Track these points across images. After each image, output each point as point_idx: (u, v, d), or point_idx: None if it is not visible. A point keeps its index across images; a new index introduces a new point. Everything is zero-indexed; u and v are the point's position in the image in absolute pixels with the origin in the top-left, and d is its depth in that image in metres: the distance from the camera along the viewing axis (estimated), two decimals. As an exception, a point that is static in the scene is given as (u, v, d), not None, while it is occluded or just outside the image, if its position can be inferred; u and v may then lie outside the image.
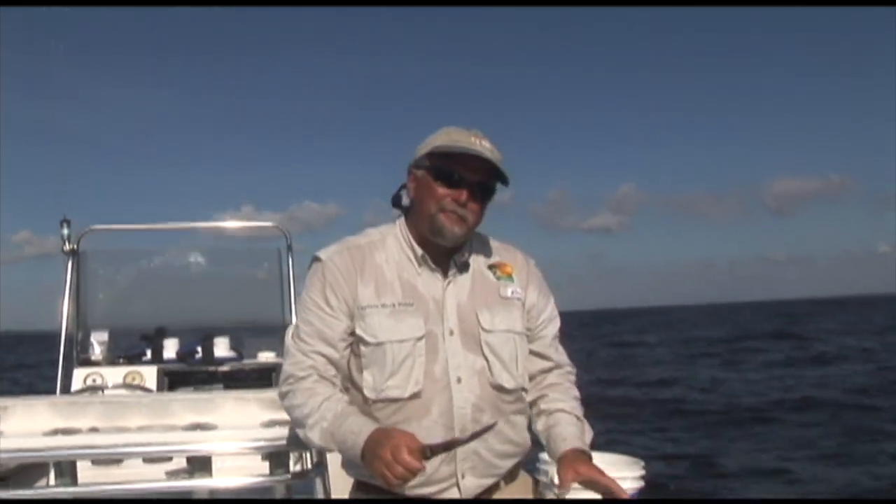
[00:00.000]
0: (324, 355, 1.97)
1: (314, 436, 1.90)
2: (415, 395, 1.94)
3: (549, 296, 2.23)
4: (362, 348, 1.98)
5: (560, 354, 2.21)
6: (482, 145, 1.98)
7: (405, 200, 2.14)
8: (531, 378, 2.13)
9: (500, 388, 2.02)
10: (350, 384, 2.01)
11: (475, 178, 1.99)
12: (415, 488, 1.92)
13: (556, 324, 2.21)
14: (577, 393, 2.18)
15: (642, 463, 2.69)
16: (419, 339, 1.96)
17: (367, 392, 1.95)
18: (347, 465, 2.06)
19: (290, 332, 2.06)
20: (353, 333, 1.99)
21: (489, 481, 2.03)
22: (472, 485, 1.99)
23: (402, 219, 2.14)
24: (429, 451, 1.71)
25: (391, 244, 2.09)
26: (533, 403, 2.14)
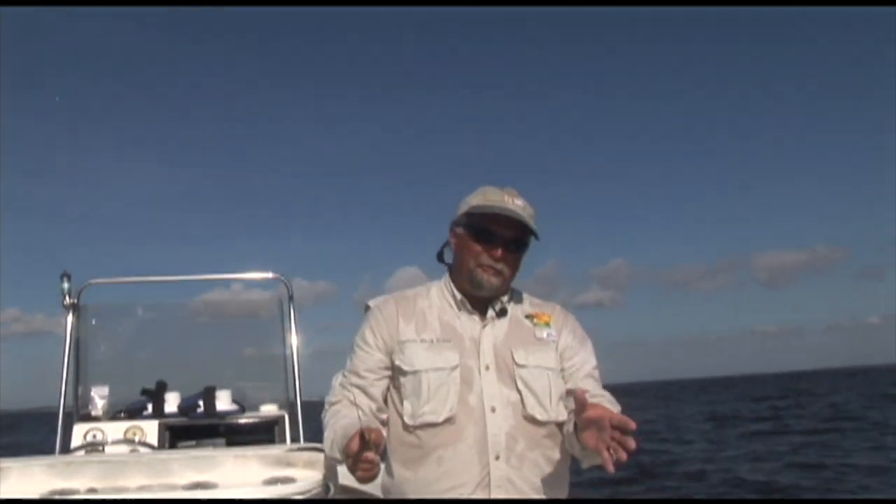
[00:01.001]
0: (356, 385, 2.21)
1: (327, 448, 2.17)
2: (448, 421, 2.09)
3: (586, 340, 2.34)
4: (401, 379, 2.17)
5: (598, 387, 2.26)
6: (514, 203, 2.19)
7: (448, 257, 2.37)
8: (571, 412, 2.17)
9: (532, 420, 2.13)
10: (394, 414, 2.20)
11: (509, 234, 2.19)
12: None
13: (592, 363, 2.30)
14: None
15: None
16: (454, 368, 2.13)
17: (406, 419, 2.13)
18: (389, 494, 2.23)
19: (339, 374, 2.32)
20: (388, 367, 2.21)
21: None
22: None
23: (447, 275, 2.35)
24: (366, 433, 1.82)
25: (434, 294, 2.32)
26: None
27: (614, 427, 1.82)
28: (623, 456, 1.81)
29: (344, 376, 2.26)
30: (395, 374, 2.20)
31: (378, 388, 2.21)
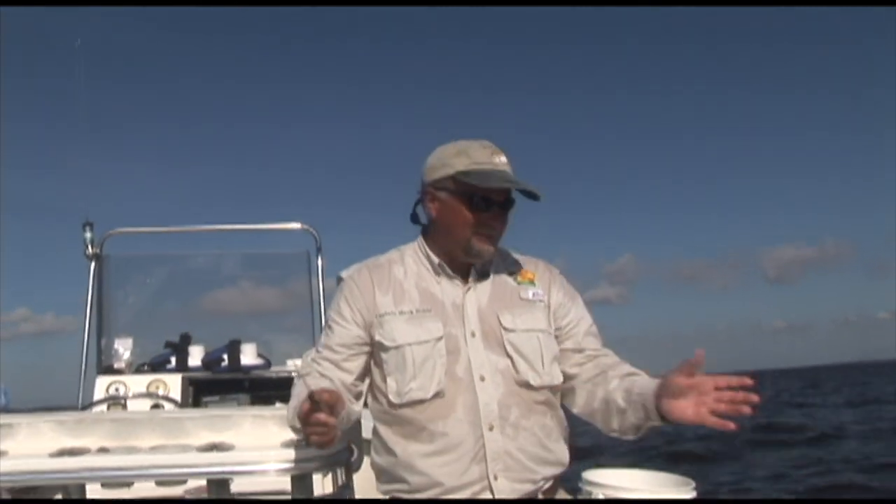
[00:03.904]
0: (328, 360, 2.06)
1: (288, 419, 1.98)
2: (437, 395, 1.98)
3: (576, 296, 2.23)
4: (383, 355, 2.04)
5: (599, 344, 2.18)
6: (501, 162, 2.07)
7: (423, 218, 2.22)
8: (570, 377, 2.13)
9: (526, 385, 2.03)
10: (377, 393, 2.08)
11: (501, 198, 2.07)
12: (447, 493, 1.95)
13: (588, 319, 2.20)
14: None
15: (693, 483, 2.51)
16: (438, 339, 2.00)
17: (391, 397, 2.00)
18: (382, 478, 2.09)
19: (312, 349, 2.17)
20: (365, 343, 2.07)
21: (526, 487, 1.99)
22: (505, 488, 1.96)
23: (421, 237, 2.21)
24: (315, 395, 1.74)
25: (409, 259, 2.18)
26: (592, 382, 2.11)
27: (730, 388, 1.76)
28: (747, 410, 1.74)
29: (317, 351, 2.11)
30: (376, 349, 2.06)
31: (353, 363, 2.07)
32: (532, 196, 2.06)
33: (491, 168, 2.05)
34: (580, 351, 2.14)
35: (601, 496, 2.49)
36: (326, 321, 2.17)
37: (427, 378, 1.97)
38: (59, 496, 2.31)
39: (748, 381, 1.74)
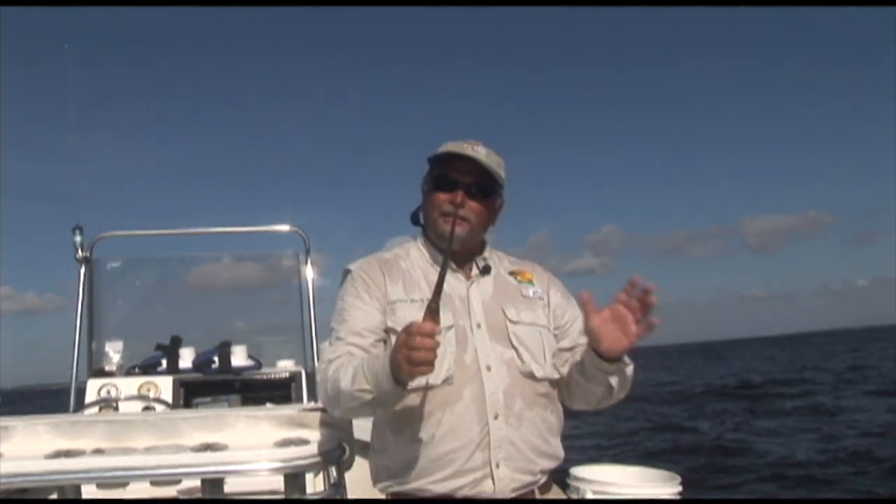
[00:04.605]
0: (356, 345, 2.05)
1: (346, 383, 1.91)
2: (446, 381, 2.02)
3: (570, 296, 2.31)
4: (394, 340, 1.97)
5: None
6: (475, 150, 2.12)
7: (422, 218, 2.30)
8: (565, 373, 2.19)
9: (530, 376, 2.09)
10: None
11: (468, 179, 2.11)
12: (449, 479, 1.98)
13: (581, 322, 2.21)
14: None
15: (679, 479, 2.55)
16: (448, 328, 2.03)
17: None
18: (381, 476, 2.13)
19: (326, 340, 2.17)
20: (386, 329, 2.09)
21: (525, 478, 2.04)
22: (506, 476, 2.00)
23: (421, 234, 2.31)
24: (432, 304, 1.74)
25: (414, 254, 2.26)
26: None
27: (635, 300, 1.90)
28: (654, 301, 1.88)
29: (338, 338, 2.09)
30: (389, 335, 2.08)
31: (379, 349, 2.06)
32: (495, 181, 2.15)
33: (455, 150, 2.12)
34: (573, 349, 2.21)
35: (590, 493, 2.53)
36: (341, 308, 2.14)
37: (437, 364, 1.91)
38: (54, 497, 2.32)
39: (637, 281, 1.90)
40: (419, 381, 1.95)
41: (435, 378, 1.99)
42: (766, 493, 9.94)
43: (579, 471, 2.65)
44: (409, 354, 1.71)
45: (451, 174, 2.13)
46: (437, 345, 1.72)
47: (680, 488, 2.53)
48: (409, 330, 1.73)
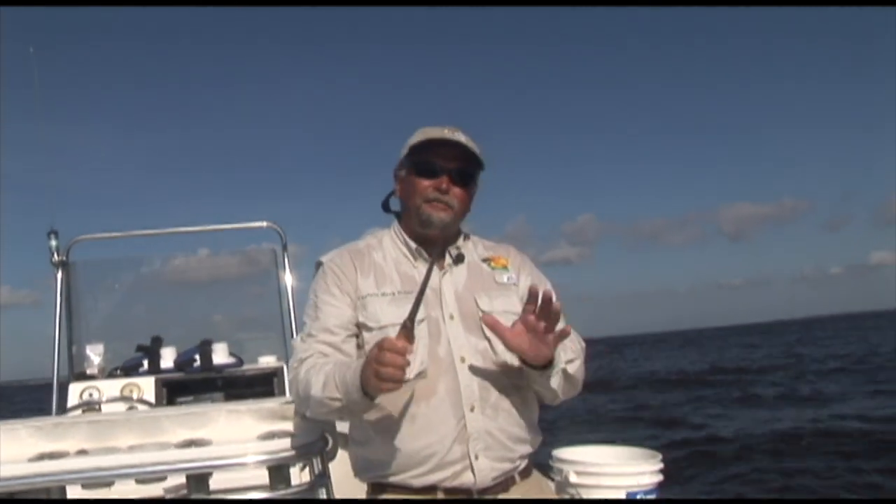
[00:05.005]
0: (328, 343, 2.06)
1: (317, 389, 1.92)
2: (420, 375, 2.00)
3: (543, 279, 2.29)
4: (366, 335, 2.07)
5: (563, 324, 2.17)
6: (455, 136, 2.11)
7: (394, 206, 2.31)
8: None
9: (504, 366, 2.08)
10: None
11: (452, 164, 2.11)
12: (428, 473, 1.99)
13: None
14: (579, 348, 2.18)
15: (659, 455, 2.59)
16: (420, 321, 2.00)
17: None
18: (361, 467, 2.14)
19: (298, 336, 2.18)
20: (357, 325, 2.09)
21: (504, 466, 2.04)
22: (486, 467, 2.00)
23: (396, 222, 2.28)
24: (408, 322, 1.76)
25: (387, 244, 2.24)
26: None
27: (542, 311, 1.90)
28: (557, 307, 1.88)
29: (310, 335, 2.09)
30: (360, 330, 2.10)
31: (350, 345, 2.09)
32: (476, 162, 2.14)
33: (439, 136, 2.11)
34: None
35: (573, 474, 2.57)
36: (313, 303, 2.14)
37: (410, 359, 1.95)
38: (40, 499, 2.33)
39: (535, 291, 1.90)
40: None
41: (408, 373, 1.95)
42: (741, 475, 10.05)
43: (561, 452, 2.68)
44: (377, 369, 1.73)
45: (435, 160, 2.12)
46: (407, 363, 1.74)
47: (661, 465, 2.57)
48: (381, 345, 1.74)
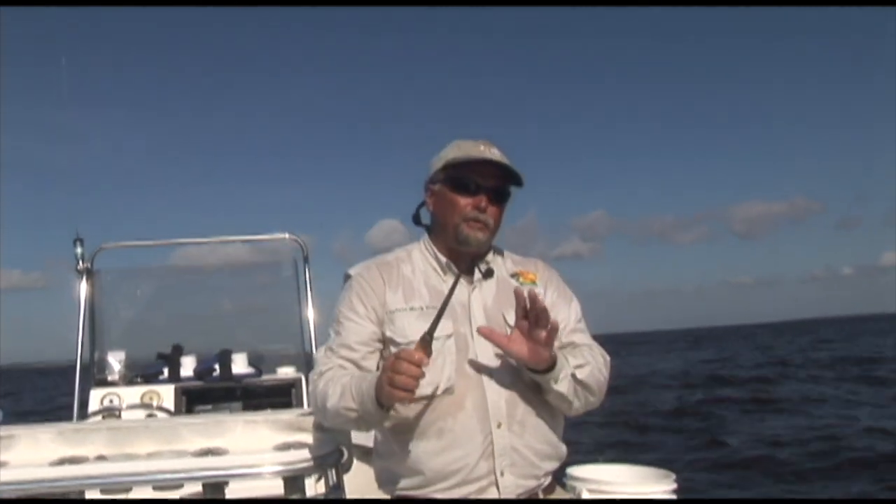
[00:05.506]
0: (347, 359, 2.07)
1: (334, 400, 1.96)
2: (447, 391, 2.00)
3: (569, 294, 2.29)
4: (393, 350, 2.03)
5: (586, 338, 2.22)
6: (491, 152, 2.08)
7: (425, 218, 2.28)
8: None
9: (532, 383, 2.05)
10: None
11: (490, 183, 2.09)
12: (453, 488, 1.98)
13: (575, 316, 2.25)
14: (601, 359, 2.16)
15: (674, 476, 2.59)
16: (448, 336, 2.02)
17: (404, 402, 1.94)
18: (385, 479, 2.12)
19: (322, 347, 2.18)
20: (380, 340, 2.09)
21: (529, 483, 2.03)
22: (511, 483, 2.00)
23: (426, 235, 2.26)
24: (427, 335, 1.79)
25: (417, 258, 2.21)
26: None
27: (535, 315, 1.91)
28: (542, 304, 1.90)
29: (331, 350, 2.11)
30: (387, 345, 2.09)
31: (371, 362, 2.09)
32: (515, 181, 2.13)
33: (478, 155, 2.09)
34: (561, 349, 2.16)
35: (586, 492, 2.57)
36: (337, 318, 2.14)
37: (437, 374, 1.98)
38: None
39: (519, 293, 1.95)
40: (419, 393, 1.92)
41: (435, 389, 1.99)
42: (757, 483, 9.97)
43: (575, 470, 2.68)
44: (391, 377, 1.76)
45: (474, 177, 2.10)
46: (422, 375, 1.77)
47: (674, 486, 2.57)
48: (397, 354, 1.78)
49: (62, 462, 2.07)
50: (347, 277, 2.21)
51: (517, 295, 1.94)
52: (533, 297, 1.90)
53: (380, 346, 2.10)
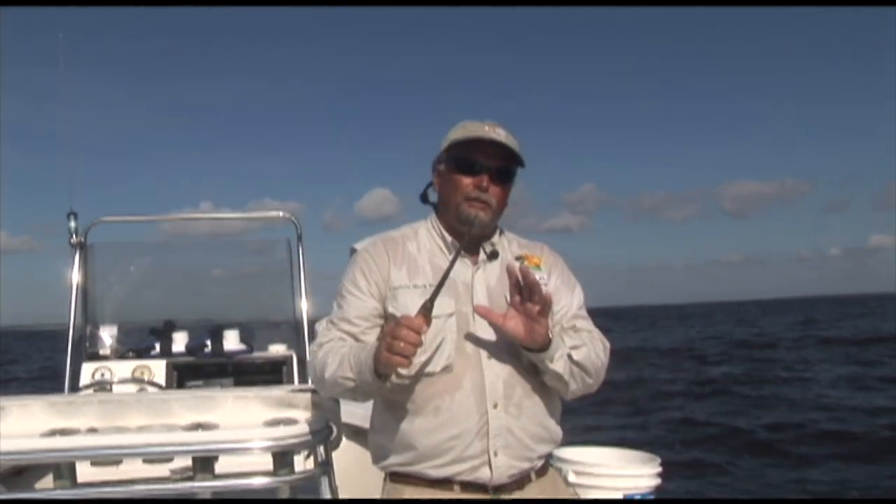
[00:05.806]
0: (347, 332, 2.10)
1: (332, 370, 1.99)
2: (446, 369, 2.02)
3: (572, 280, 2.29)
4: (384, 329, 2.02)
5: (587, 324, 2.23)
6: (496, 132, 2.10)
7: (433, 197, 2.29)
8: None
9: (530, 365, 2.07)
10: None
11: (493, 163, 2.10)
12: (446, 466, 2.01)
13: (577, 303, 2.25)
14: (600, 344, 2.17)
15: (658, 460, 2.62)
16: (450, 315, 2.04)
17: (401, 369, 1.94)
18: (379, 454, 2.15)
19: (324, 319, 2.20)
20: (381, 316, 2.11)
21: (522, 465, 2.05)
22: (503, 464, 2.01)
23: (433, 214, 2.28)
24: (428, 303, 1.81)
25: (423, 235, 2.23)
26: None
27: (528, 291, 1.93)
28: (533, 278, 1.93)
29: (332, 322, 2.14)
30: (388, 321, 2.09)
31: (370, 337, 2.09)
32: (517, 161, 2.14)
33: (482, 134, 2.10)
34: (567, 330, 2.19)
35: (572, 473, 2.60)
36: (340, 291, 2.17)
37: (437, 352, 2.01)
38: (50, 474, 2.38)
39: (511, 268, 1.96)
40: (418, 370, 1.98)
41: (434, 366, 2.01)
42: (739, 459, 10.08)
43: (562, 452, 2.71)
44: (390, 343, 1.78)
45: (476, 157, 2.11)
46: (420, 343, 1.78)
47: (659, 469, 2.60)
48: (398, 321, 1.80)
49: (53, 433, 2.08)
50: (353, 252, 2.22)
51: (509, 270, 1.95)
52: (525, 271, 1.92)
53: (380, 321, 2.11)
